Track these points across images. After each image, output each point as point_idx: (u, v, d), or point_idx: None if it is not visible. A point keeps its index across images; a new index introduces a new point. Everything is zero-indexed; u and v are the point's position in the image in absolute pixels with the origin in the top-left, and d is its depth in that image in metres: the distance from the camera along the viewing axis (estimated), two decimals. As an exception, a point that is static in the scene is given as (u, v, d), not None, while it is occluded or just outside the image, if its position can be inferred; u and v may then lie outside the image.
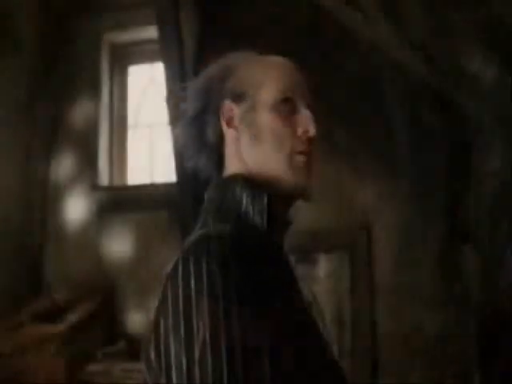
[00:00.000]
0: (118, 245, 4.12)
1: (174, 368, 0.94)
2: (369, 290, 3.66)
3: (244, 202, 1.11)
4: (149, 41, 4.19)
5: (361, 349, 3.60)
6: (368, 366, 3.57)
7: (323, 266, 3.77)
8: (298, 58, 1.24)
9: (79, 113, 4.33)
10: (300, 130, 1.14)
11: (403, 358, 3.53)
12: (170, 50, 3.68)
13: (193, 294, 0.94)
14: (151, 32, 3.92)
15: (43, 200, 4.27)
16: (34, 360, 3.54)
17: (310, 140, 1.15)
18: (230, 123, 1.17)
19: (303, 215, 3.73)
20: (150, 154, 4.42)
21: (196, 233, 1.06)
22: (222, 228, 1.04)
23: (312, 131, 1.14)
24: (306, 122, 1.15)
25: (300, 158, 1.14)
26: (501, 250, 3.07)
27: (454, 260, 3.56)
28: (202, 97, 1.19)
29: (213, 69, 1.21)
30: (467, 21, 2.85)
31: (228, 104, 1.17)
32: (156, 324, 0.98)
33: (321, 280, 3.74)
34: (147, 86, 4.46)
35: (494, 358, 3.11)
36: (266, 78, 1.17)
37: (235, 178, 1.14)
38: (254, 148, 1.14)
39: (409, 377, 3.44)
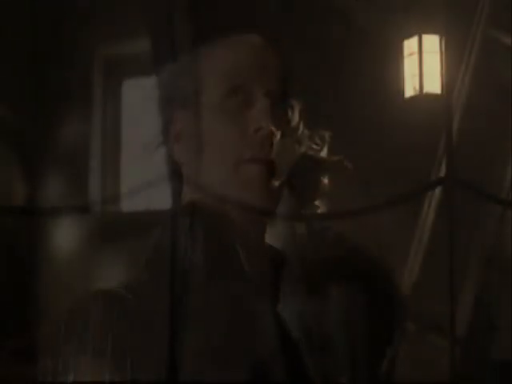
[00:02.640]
0: (110, 275, 3.83)
1: None
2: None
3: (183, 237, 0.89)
4: (145, 53, 4.02)
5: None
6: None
7: (336, 298, 3.55)
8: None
9: (68, 131, 4.18)
10: (251, 128, 0.87)
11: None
12: (163, 64, 3.54)
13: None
14: (147, 44, 3.74)
15: (29, 226, 4.06)
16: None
17: (266, 139, 0.87)
18: (178, 137, 0.95)
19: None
20: (147, 177, 4.23)
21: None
22: (137, 277, 0.93)
23: (266, 127, 0.86)
24: (260, 116, 0.87)
25: (251, 170, 0.87)
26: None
27: (480, 288, 3.41)
28: (159, 110, 0.98)
29: (165, 72, 1.01)
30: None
31: (177, 113, 0.95)
32: None
33: (334, 313, 3.52)
34: (143, 102, 4.28)
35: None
36: (212, 69, 0.93)
37: (184, 207, 0.93)
38: (198, 164, 0.93)
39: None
